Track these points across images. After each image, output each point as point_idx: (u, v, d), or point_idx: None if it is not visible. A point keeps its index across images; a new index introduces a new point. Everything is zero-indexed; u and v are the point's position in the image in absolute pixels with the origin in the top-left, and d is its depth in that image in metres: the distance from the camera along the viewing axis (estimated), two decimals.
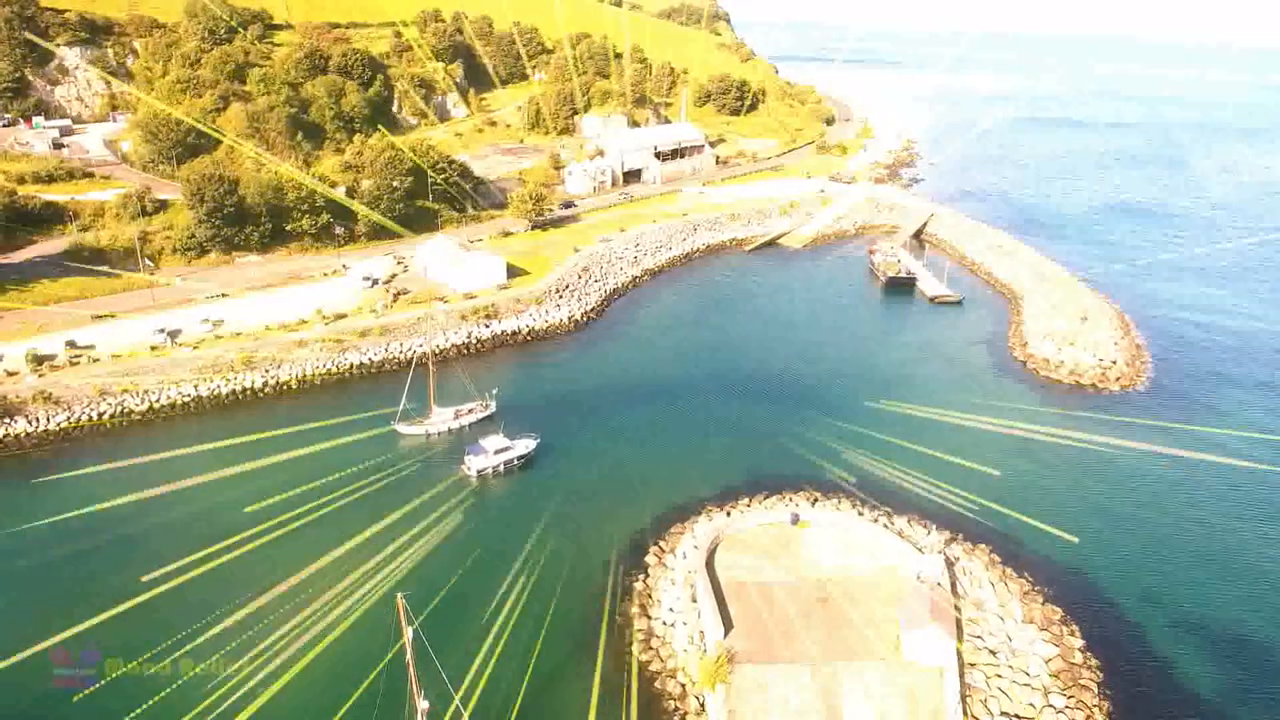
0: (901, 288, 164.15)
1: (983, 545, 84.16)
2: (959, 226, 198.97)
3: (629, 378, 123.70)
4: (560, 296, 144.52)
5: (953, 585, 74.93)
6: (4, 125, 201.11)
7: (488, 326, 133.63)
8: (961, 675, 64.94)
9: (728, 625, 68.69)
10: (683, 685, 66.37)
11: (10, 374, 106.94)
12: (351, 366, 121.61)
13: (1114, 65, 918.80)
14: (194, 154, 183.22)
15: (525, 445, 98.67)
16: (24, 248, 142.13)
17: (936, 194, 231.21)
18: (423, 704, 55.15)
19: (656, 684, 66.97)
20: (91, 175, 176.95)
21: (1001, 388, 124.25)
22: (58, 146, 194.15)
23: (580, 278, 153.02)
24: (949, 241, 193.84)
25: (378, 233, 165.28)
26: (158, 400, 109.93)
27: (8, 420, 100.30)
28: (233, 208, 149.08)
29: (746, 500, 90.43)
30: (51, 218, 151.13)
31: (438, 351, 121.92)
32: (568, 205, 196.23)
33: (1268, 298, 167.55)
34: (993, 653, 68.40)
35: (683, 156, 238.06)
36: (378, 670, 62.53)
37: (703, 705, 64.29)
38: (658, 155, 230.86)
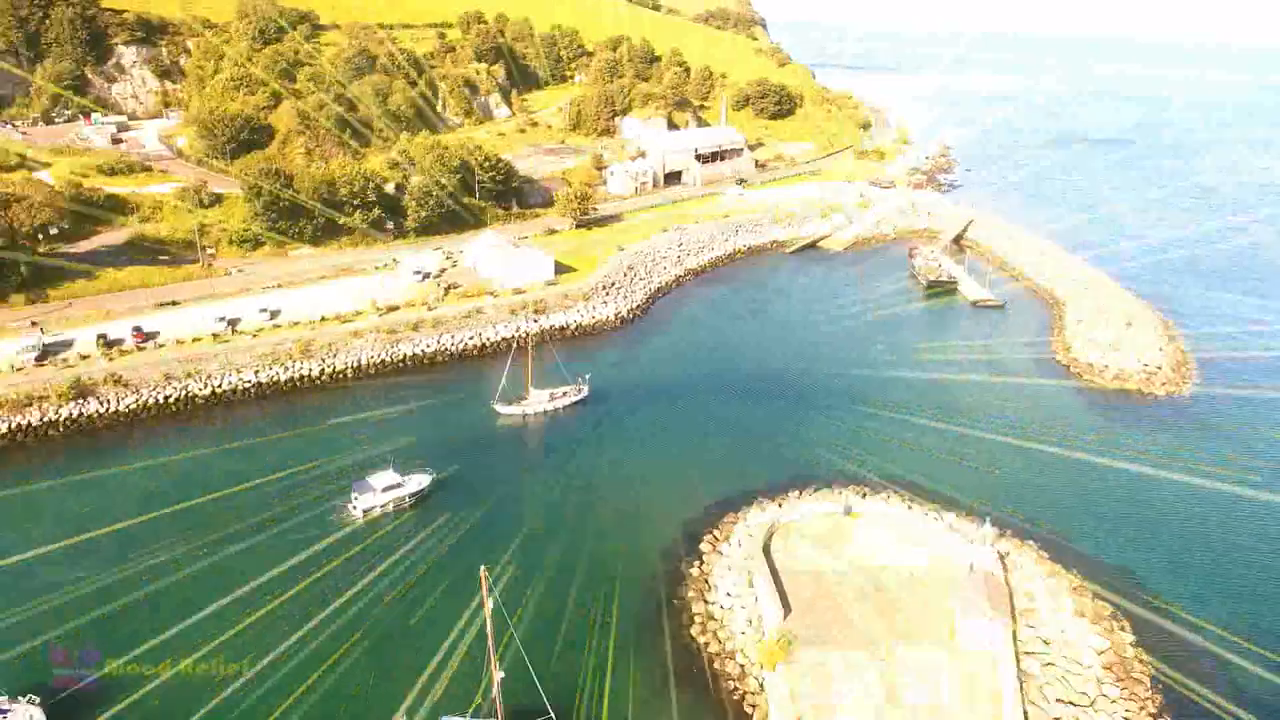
0: (942, 291, 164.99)
1: (1030, 542, 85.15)
2: (999, 232, 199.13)
3: (675, 372, 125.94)
4: (607, 293, 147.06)
5: (1004, 577, 76.15)
6: (66, 121, 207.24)
7: (536, 321, 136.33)
8: (1017, 662, 66.26)
9: (786, 609, 70.49)
10: (741, 666, 68.24)
11: (83, 357, 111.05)
12: (405, 357, 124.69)
13: (1123, 65, 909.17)
14: (247, 149, 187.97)
15: (418, 482, 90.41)
16: (89, 238, 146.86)
17: (975, 200, 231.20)
18: (499, 674, 57.34)
19: (716, 664, 68.95)
20: (149, 169, 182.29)
21: (1045, 391, 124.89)
22: (116, 142, 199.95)
23: (626, 275, 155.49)
24: (989, 247, 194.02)
25: (426, 228, 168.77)
26: (219, 386, 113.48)
27: (82, 400, 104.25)
28: (287, 202, 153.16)
29: (797, 493, 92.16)
30: (113, 209, 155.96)
31: (501, 341, 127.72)
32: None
33: None
34: (1045, 642, 69.61)
35: (723, 159, 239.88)
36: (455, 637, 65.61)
37: (761, 685, 66.05)
38: (698, 157, 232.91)
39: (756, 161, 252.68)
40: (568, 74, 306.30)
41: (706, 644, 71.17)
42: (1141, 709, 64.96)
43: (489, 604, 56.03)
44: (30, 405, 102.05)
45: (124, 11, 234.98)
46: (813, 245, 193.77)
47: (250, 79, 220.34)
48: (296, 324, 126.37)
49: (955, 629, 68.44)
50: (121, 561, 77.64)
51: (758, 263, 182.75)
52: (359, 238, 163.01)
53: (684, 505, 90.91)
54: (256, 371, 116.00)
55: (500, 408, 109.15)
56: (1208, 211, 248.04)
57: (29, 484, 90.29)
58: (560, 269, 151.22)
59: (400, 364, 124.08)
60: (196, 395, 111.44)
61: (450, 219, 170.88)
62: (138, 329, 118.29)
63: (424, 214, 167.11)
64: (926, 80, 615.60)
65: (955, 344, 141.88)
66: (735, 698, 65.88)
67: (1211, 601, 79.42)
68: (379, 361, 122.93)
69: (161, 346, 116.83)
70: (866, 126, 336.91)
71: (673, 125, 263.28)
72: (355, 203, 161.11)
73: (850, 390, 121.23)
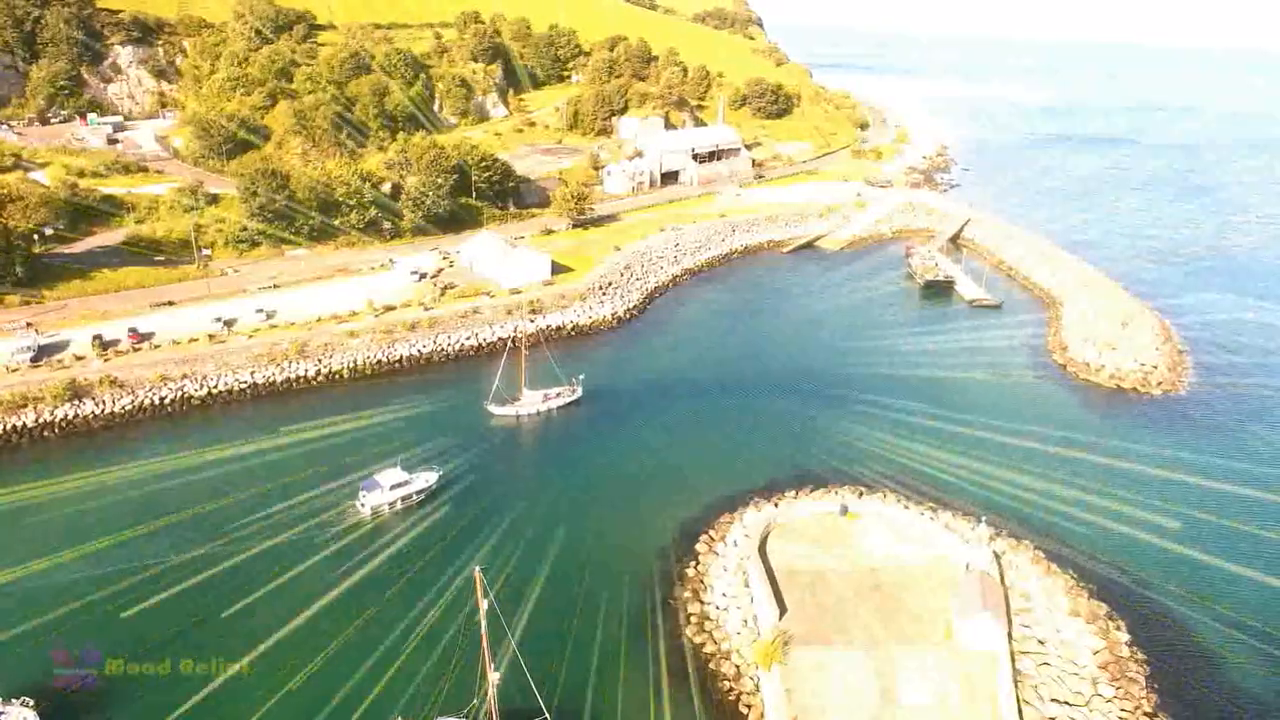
0: (939, 290, 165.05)
1: (1026, 541, 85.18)
2: (996, 231, 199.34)
3: (672, 372, 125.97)
4: (603, 293, 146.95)
5: (1000, 577, 76.19)
6: (61, 121, 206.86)
7: (532, 321, 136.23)
8: (1012, 662, 66.28)
9: (781, 609, 70.51)
10: (737, 666, 68.18)
11: (78, 358, 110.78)
12: (402, 357, 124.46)
13: (1123, 68, 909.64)
14: (243, 150, 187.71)
15: (425, 479, 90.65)
16: (85, 238, 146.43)
17: (973, 199, 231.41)
18: (494, 675, 57.25)
19: (711, 665, 68.88)
20: (145, 170, 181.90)
21: (1041, 390, 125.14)
22: (112, 142, 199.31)
23: (622, 275, 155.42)
24: (986, 246, 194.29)
25: (422, 228, 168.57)
26: (215, 386, 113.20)
27: (77, 401, 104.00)
28: (284, 202, 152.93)
29: (793, 492, 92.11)
30: (109, 210, 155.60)
31: (497, 341, 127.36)
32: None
33: None
34: (1041, 642, 69.67)
35: (720, 159, 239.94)
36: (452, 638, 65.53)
37: (757, 685, 66.03)
38: (695, 157, 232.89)
39: (754, 161, 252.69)
40: (565, 74, 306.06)
41: (702, 644, 71.09)
42: (1136, 709, 65.03)
43: (484, 605, 55.93)
44: (25, 406, 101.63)
45: (120, 11, 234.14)
46: (809, 245, 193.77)
47: (247, 79, 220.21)
48: (293, 324, 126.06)
49: (952, 629, 68.48)
50: (121, 563, 77.32)
51: (754, 262, 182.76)
52: (355, 238, 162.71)
53: (680, 505, 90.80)
54: (252, 372, 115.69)
55: (493, 408, 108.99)
56: (1206, 211, 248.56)
57: (24, 486, 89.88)
58: (557, 269, 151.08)
59: (397, 364, 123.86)
60: (192, 396, 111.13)
61: (447, 219, 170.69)
62: (133, 329, 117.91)
63: (420, 214, 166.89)
64: (925, 82, 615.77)
65: (951, 344, 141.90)
66: (731, 698, 65.85)
67: (1207, 601, 79.50)
68: (375, 362, 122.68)
69: (157, 347, 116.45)
70: (864, 126, 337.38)
71: (670, 125, 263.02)
72: (351, 203, 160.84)
73: (846, 390, 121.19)
